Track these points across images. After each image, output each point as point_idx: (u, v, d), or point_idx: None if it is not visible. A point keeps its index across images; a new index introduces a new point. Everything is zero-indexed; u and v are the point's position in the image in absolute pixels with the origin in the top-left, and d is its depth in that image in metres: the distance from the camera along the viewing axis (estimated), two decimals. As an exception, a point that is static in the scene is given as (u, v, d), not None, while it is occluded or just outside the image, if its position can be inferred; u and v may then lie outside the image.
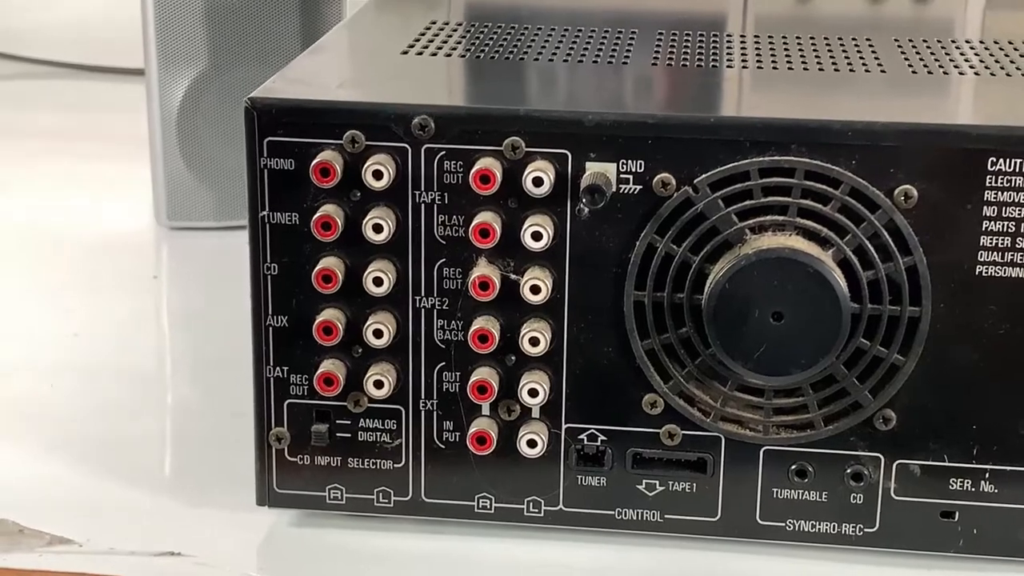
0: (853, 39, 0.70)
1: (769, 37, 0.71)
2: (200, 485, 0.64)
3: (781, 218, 0.54)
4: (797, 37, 0.71)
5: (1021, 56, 0.67)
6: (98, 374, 0.75)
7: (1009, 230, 0.54)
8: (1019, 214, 0.54)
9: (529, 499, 0.59)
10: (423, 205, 0.56)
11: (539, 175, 0.54)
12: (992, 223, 0.54)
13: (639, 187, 0.55)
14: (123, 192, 1.01)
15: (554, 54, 0.66)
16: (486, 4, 0.78)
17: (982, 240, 0.54)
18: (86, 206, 1.00)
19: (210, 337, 0.79)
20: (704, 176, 0.54)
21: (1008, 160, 0.54)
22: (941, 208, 0.54)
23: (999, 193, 0.54)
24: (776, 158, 0.54)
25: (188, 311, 0.85)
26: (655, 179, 0.55)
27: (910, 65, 0.65)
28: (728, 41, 0.70)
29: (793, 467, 0.57)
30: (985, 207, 0.54)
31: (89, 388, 0.73)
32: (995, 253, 0.55)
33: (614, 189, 0.55)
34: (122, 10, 1.07)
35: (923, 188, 0.54)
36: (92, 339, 0.79)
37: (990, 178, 0.54)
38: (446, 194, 0.55)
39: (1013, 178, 0.54)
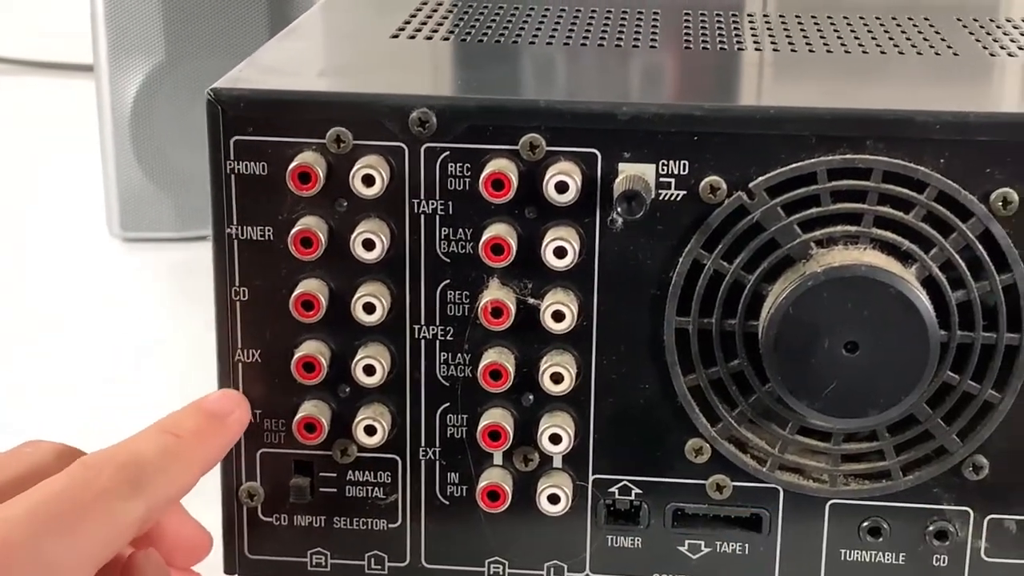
0: (891, 19, 0.65)
1: (795, 17, 0.65)
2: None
3: (854, 228, 0.50)
4: (828, 17, 0.65)
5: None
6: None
7: None
8: None
9: (550, 564, 0.55)
10: (423, 216, 0.52)
11: (563, 179, 0.50)
12: (1110, 234, 0.50)
13: (683, 192, 0.50)
14: (72, 199, 0.97)
15: (565, 37, 0.61)
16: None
17: (1096, 255, 0.50)
18: (31, 215, 0.96)
19: (171, 369, 0.74)
20: (761, 179, 0.50)
21: None
22: (1047, 216, 0.49)
23: (1117, 198, 0.50)
24: (849, 156, 0.50)
25: (147, 337, 0.79)
26: (702, 183, 0.50)
27: (984, 46, 0.60)
28: (749, 22, 0.65)
29: (865, 524, 0.53)
30: (1101, 214, 0.50)
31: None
32: (1111, 270, 0.50)
33: (652, 195, 0.50)
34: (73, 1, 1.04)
35: (1025, 192, 0.49)
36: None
37: (1106, 179, 0.49)
38: (451, 203, 0.51)
39: None
